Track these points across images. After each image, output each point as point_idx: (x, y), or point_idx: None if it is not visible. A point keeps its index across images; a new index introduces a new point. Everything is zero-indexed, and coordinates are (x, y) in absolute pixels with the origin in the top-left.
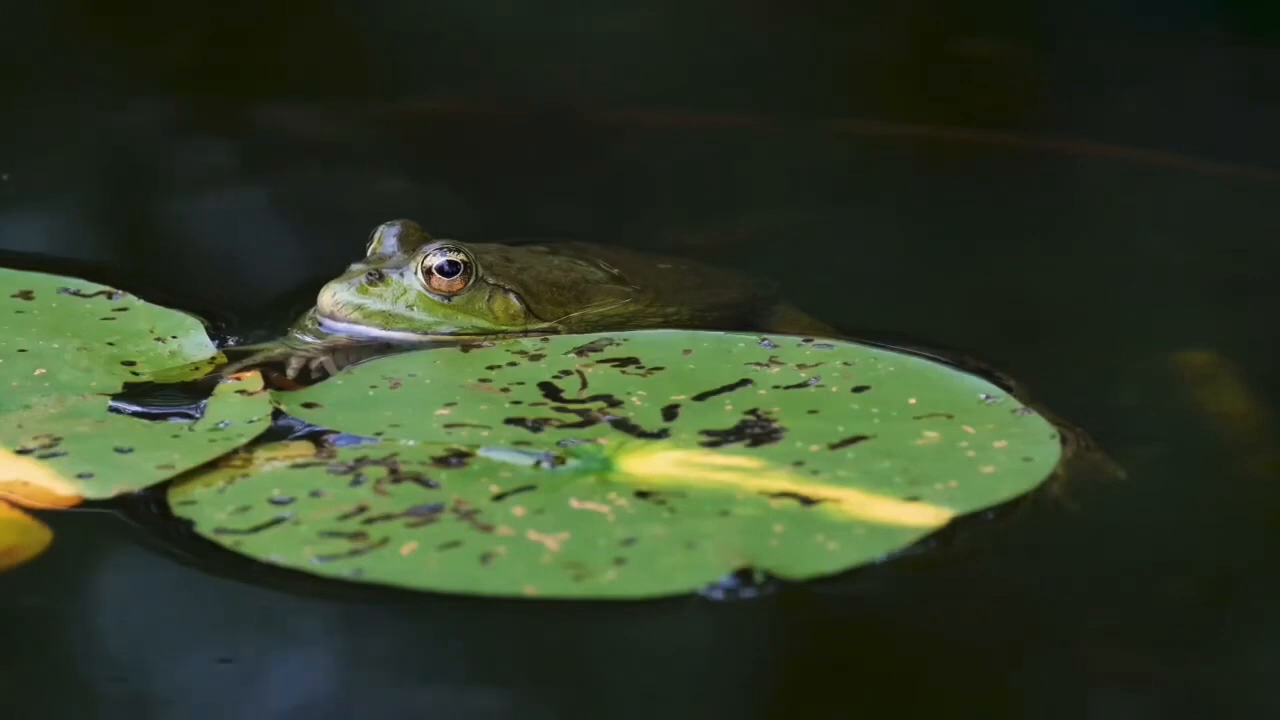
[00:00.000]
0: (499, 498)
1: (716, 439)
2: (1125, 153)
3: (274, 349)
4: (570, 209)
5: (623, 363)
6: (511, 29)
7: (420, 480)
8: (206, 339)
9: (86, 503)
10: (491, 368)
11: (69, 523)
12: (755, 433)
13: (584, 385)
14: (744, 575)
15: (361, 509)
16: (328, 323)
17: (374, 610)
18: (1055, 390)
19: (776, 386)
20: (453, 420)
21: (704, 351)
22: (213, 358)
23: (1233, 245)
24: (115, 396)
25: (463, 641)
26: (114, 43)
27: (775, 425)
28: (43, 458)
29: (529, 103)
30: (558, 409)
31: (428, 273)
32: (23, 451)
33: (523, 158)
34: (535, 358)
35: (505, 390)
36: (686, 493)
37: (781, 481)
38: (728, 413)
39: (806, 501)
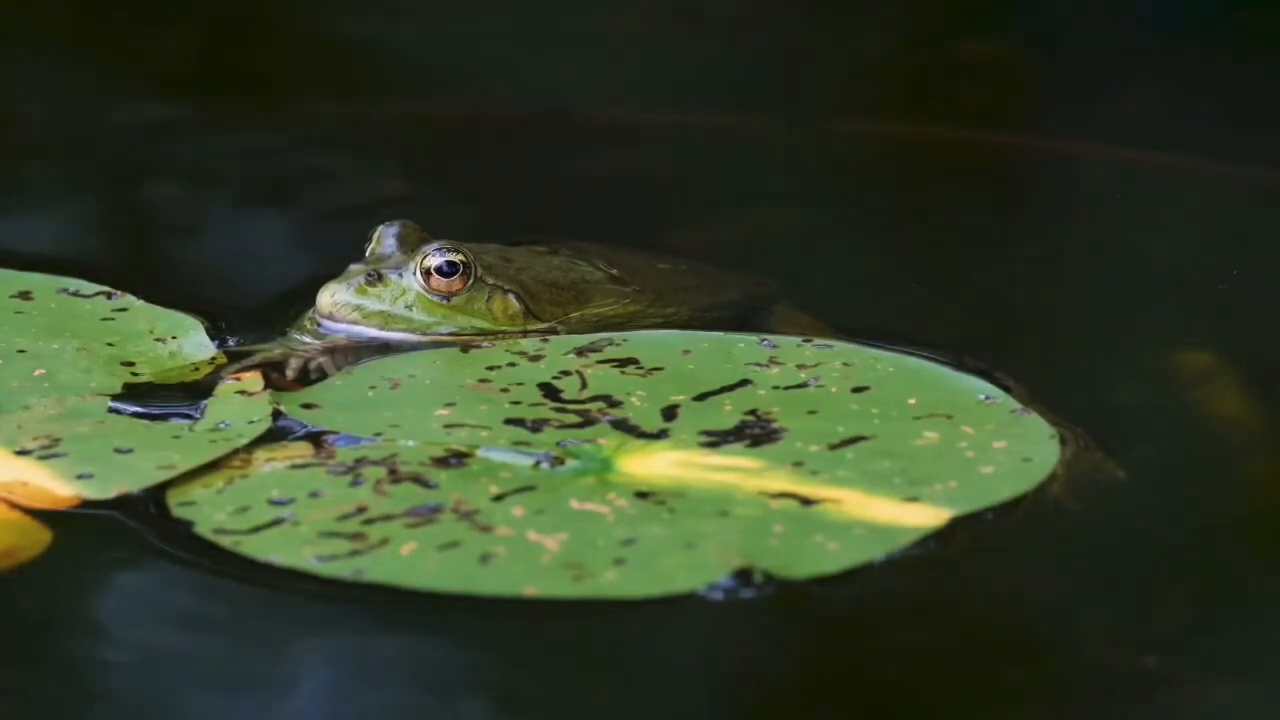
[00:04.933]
0: (499, 498)
1: (716, 439)
2: (1125, 153)
3: (273, 349)
4: (570, 209)
5: (622, 363)
6: (510, 29)
7: (420, 481)
8: (206, 339)
9: (86, 503)
10: (491, 368)
11: (69, 523)
12: (755, 433)
13: (584, 385)
14: (744, 575)
15: (361, 509)
16: (326, 323)
17: (373, 611)
18: (1055, 390)
19: (776, 387)
20: (452, 421)
21: (704, 352)
22: (213, 358)
23: (1232, 246)
24: (115, 397)
25: (462, 642)
26: (113, 40)
27: (775, 425)
28: (42, 458)
29: (528, 103)
30: (557, 409)
31: (426, 273)
32: (22, 452)
33: (521, 158)
34: (535, 358)
35: (505, 391)
36: (686, 493)
37: (781, 482)
38: (727, 413)
39: (806, 502)
